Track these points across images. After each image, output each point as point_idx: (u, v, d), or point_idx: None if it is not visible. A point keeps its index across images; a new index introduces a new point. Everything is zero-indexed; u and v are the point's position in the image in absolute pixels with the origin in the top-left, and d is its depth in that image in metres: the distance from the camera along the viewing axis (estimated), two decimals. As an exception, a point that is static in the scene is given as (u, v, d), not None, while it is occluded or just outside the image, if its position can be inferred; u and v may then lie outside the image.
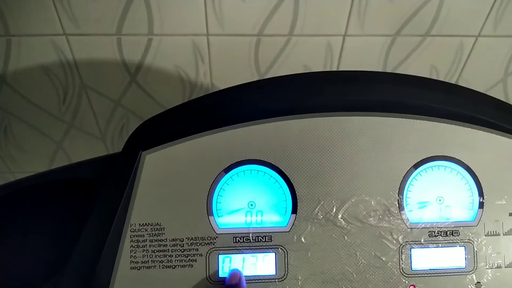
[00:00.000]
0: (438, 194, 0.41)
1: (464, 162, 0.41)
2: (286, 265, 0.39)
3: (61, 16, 0.61)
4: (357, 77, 0.42)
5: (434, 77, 0.73)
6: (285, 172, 0.40)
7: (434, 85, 0.42)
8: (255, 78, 0.71)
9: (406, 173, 0.40)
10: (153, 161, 0.39)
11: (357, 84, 0.41)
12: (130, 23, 0.62)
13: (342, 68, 0.70)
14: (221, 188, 0.40)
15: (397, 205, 0.40)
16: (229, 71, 0.70)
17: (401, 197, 0.40)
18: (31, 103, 0.73)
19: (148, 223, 0.39)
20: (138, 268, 0.39)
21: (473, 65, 0.71)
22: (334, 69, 0.71)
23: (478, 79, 0.74)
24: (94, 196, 0.39)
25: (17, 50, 0.65)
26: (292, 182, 0.40)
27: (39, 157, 0.83)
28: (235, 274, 0.38)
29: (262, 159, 0.40)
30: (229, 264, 0.39)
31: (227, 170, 0.40)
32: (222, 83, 0.72)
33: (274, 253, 0.39)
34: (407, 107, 0.40)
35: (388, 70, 0.71)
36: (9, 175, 0.87)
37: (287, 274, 0.39)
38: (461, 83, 0.73)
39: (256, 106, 0.40)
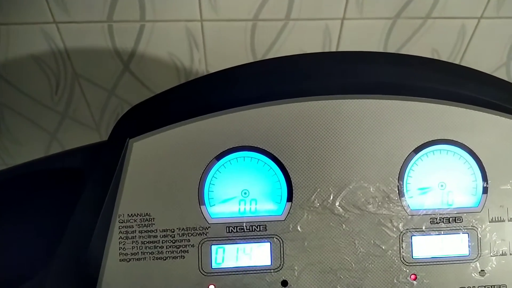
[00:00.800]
0: (440, 179, 0.40)
1: (467, 145, 0.39)
2: (282, 255, 0.38)
3: (50, 3, 0.60)
4: (353, 58, 0.40)
5: (436, 60, 0.71)
6: (280, 159, 0.38)
7: (434, 65, 0.41)
8: (252, 64, 0.69)
9: (406, 158, 0.38)
10: (141, 149, 0.38)
11: (354, 65, 0.39)
12: (121, 9, 0.61)
13: (341, 52, 0.69)
14: (213, 176, 0.39)
15: (397, 192, 0.38)
16: (225, 58, 0.69)
17: (401, 183, 0.38)
18: (23, 94, 0.72)
19: (137, 214, 0.38)
20: (128, 260, 0.37)
21: (475, 48, 0.70)
22: (333, 54, 0.69)
23: (480, 62, 0.73)
24: (80, 186, 0.38)
25: (6, 39, 0.64)
26: (287, 169, 0.38)
27: (33, 149, 0.83)
28: None
29: (256, 146, 0.38)
30: (222, 254, 0.38)
31: (219, 157, 0.38)
32: (218, 70, 0.70)
33: (269, 243, 0.38)
34: (406, 89, 0.38)
35: (389, 54, 0.70)
36: (3, 167, 0.86)
37: (283, 264, 0.38)
38: (464, 67, 0.72)
39: (248, 90, 0.39)
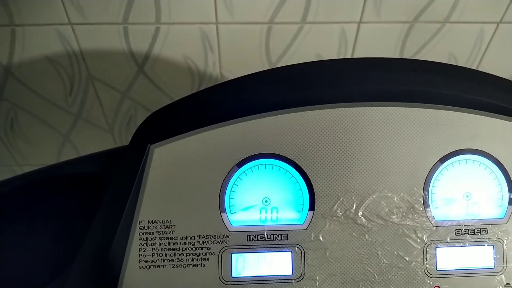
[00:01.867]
0: (466, 190, 0.39)
1: (493, 155, 0.38)
2: (303, 265, 0.38)
3: (66, 5, 0.60)
4: (378, 65, 0.39)
5: (453, 65, 0.71)
6: (302, 167, 0.38)
7: (460, 72, 0.40)
8: (266, 67, 0.69)
9: (431, 168, 0.38)
10: (162, 155, 0.37)
11: (378, 72, 0.39)
12: (137, 11, 0.61)
13: (357, 56, 0.68)
14: (234, 183, 0.38)
15: (422, 202, 0.38)
16: (239, 61, 0.68)
17: (426, 193, 0.38)
18: (37, 95, 0.72)
19: (158, 220, 0.37)
20: (148, 267, 0.37)
21: (493, 53, 0.69)
22: (349, 57, 0.69)
23: (498, 67, 0.72)
24: (101, 191, 0.37)
25: (22, 40, 0.64)
26: (309, 177, 0.38)
27: (46, 150, 0.83)
28: None
29: (277, 153, 0.38)
30: (242, 263, 0.37)
31: (240, 164, 0.38)
32: (232, 73, 0.70)
33: (290, 252, 0.38)
34: (432, 97, 0.38)
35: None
36: (16, 168, 0.87)
37: (304, 274, 0.38)
38: (481, 72, 0.71)
39: (271, 97, 0.38)
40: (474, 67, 0.72)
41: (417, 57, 0.69)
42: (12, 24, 0.62)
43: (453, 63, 0.70)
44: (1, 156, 0.84)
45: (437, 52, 0.68)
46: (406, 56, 0.69)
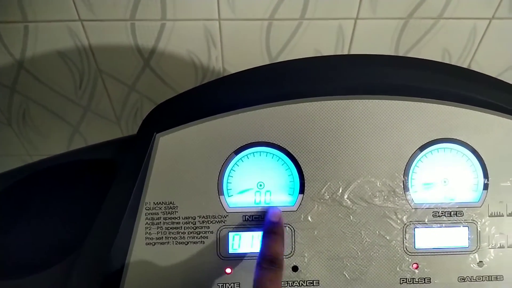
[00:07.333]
0: (443, 175, 0.42)
1: (469, 144, 0.41)
2: (293, 243, 0.41)
3: (76, 2, 0.63)
4: (363, 61, 0.42)
5: (447, 60, 0.72)
6: (293, 154, 0.41)
7: (439, 67, 0.43)
8: (266, 62, 0.71)
9: (411, 155, 0.41)
10: (167, 143, 0.41)
11: (363, 68, 0.41)
12: (143, 8, 0.63)
13: (354, 51, 0.70)
14: (231, 169, 0.42)
15: (402, 186, 0.41)
16: (241, 56, 0.70)
17: (406, 178, 0.41)
18: (49, 88, 0.75)
19: (162, 202, 0.41)
20: (153, 244, 0.41)
21: (486, 48, 0.70)
22: (346, 53, 0.71)
23: (491, 62, 0.73)
24: (110, 176, 0.41)
25: (34, 36, 0.67)
26: (300, 163, 0.41)
27: (56, 140, 0.86)
28: (276, 212, 0.40)
29: (271, 141, 0.41)
30: (238, 241, 0.41)
31: (237, 151, 0.41)
32: (234, 68, 0.72)
33: None
34: (413, 90, 0.41)
35: (400, 53, 0.71)
36: (27, 157, 0.89)
37: (294, 251, 0.41)
38: (474, 67, 0.73)
39: (265, 90, 0.41)
40: (467, 62, 0.73)
41: (411, 53, 0.70)
42: (26, 21, 0.64)
43: (447, 58, 0.72)
44: (13, 146, 0.87)
45: (431, 48, 0.70)
46: (401, 51, 0.70)
